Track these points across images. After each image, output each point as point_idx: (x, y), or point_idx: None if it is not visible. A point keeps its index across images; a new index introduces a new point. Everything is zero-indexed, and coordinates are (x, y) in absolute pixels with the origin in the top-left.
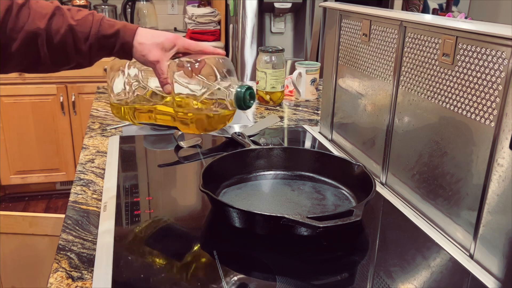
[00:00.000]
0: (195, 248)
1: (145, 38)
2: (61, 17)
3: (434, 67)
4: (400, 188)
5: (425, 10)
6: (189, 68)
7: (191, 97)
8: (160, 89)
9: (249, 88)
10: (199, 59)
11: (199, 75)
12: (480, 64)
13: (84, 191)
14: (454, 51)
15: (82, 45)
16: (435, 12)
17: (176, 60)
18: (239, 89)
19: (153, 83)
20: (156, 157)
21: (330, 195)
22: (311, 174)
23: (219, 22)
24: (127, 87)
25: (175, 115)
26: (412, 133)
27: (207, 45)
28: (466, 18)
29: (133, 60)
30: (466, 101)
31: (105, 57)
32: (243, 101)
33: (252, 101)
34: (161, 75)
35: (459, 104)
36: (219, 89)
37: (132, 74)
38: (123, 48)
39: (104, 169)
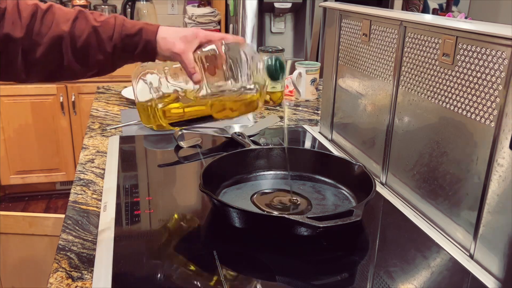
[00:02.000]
0: (195, 248)
1: (168, 34)
2: (84, 20)
3: (434, 67)
4: (400, 188)
5: (425, 10)
6: (217, 54)
7: (223, 83)
8: (189, 85)
9: (277, 58)
10: (224, 44)
11: (228, 60)
12: (480, 64)
13: (84, 191)
14: (454, 51)
15: (106, 46)
16: (435, 12)
17: (202, 49)
18: (270, 63)
19: (178, 83)
20: (156, 157)
21: (330, 195)
22: (311, 174)
23: (219, 22)
24: (151, 93)
25: (210, 104)
26: (412, 133)
27: (227, 34)
28: (466, 18)
29: (150, 66)
30: (466, 101)
31: (127, 62)
32: (274, 70)
33: (283, 70)
34: (188, 65)
35: (459, 104)
36: (248, 72)
37: (153, 80)
38: (146, 47)
39: (104, 169)
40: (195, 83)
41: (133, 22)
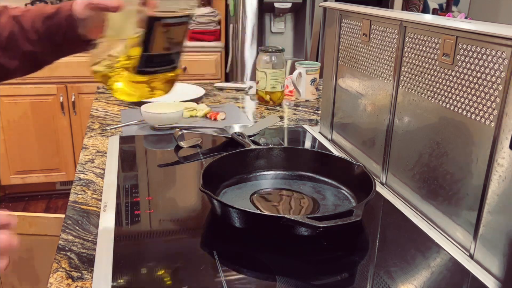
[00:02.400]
0: (195, 248)
1: None
2: (6, 14)
3: (434, 67)
4: (400, 188)
5: (425, 10)
6: None
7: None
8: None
9: None
10: None
11: None
12: (480, 64)
13: (84, 191)
14: (454, 51)
15: (30, 34)
16: (435, 12)
17: None
18: None
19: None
20: (156, 157)
21: (330, 195)
22: (311, 174)
23: (219, 22)
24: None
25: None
26: (412, 133)
27: None
28: (466, 18)
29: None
30: (466, 101)
31: (63, 51)
32: None
33: None
34: (102, 1)
35: (459, 104)
36: None
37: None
38: (70, 26)
39: (104, 169)
40: (116, 8)
41: (54, 5)
